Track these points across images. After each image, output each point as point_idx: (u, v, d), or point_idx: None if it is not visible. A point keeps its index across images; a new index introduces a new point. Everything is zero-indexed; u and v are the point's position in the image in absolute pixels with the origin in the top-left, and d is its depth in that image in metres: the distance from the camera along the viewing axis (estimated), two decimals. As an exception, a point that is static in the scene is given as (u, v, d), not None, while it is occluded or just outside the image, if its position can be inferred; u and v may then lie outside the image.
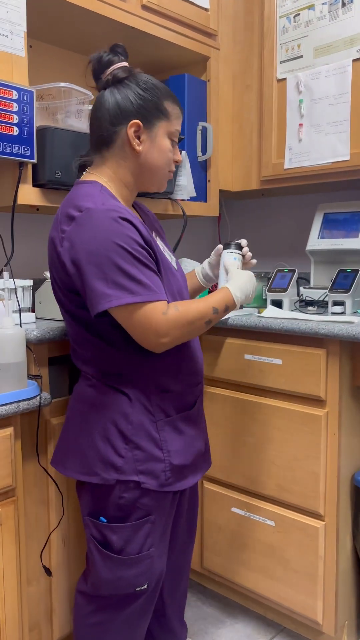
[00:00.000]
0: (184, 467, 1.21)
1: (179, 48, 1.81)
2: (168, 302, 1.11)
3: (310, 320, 1.49)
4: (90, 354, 1.17)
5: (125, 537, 1.16)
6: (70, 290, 1.11)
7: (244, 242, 1.37)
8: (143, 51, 1.82)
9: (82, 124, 1.49)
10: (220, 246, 1.38)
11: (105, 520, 1.16)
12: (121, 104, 1.14)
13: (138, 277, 1.04)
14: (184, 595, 1.48)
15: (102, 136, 1.16)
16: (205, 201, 1.96)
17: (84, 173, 1.22)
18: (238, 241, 1.37)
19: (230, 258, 1.34)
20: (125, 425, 1.14)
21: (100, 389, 1.16)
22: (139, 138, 1.15)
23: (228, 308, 1.18)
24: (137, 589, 1.20)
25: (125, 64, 1.19)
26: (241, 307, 1.30)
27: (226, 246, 1.37)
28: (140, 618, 1.25)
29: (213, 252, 1.41)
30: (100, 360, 1.16)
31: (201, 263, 1.48)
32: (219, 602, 1.84)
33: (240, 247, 1.36)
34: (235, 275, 1.26)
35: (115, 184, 1.18)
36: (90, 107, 1.55)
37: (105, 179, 1.17)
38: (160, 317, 1.06)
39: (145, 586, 1.21)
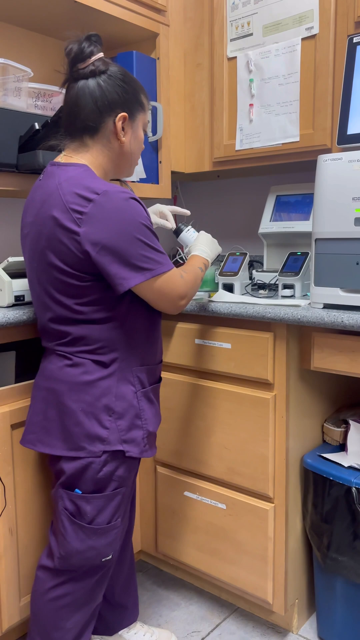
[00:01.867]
0: (153, 434, 1.29)
1: (126, 24, 1.76)
2: None
3: (258, 304, 1.48)
4: (81, 334, 1.18)
5: (99, 507, 1.22)
6: (80, 271, 1.13)
7: (178, 211, 1.58)
8: (88, 27, 1.76)
9: (21, 102, 1.44)
10: (175, 233, 1.55)
11: (80, 492, 1.21)
12: (108, 95, 1.19)
13: (159, 249, 1.16)
14: (130, 567, 1.50)
15: (88, 124, 1.19)
16: (157, 183, 1.92)
17: (60, 155, 1.24)
18: (184, 220, 1.55)
19: (191, 234, 1.52)
20: (109, 399, 1.19)
21: (85, 367, 1.19)
22: (123, 129, 1.22)
23: (206, 265, 1.38)
24: (103, 560, 1.26)
25: (102, 54, 1.21)
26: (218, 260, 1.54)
27: (179, 230, 1.53)
28: (99, 590, 1.31)
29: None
30: (90, 339, 1.18)
31: None
32: (175, 584, 1.85)
33: (188, 223, 1.55)
34: (194, 242, 1.45)
35: (97, 171, 1.24)
36: (30, 84, 1.50)
37: (88, 165, 1.21)
38: (180, 280, 1.21)
39: (110, 557, 1.27)
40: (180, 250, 2.33)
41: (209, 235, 1.47)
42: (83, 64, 1.17)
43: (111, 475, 1.21)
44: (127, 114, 1.21)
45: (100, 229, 1.09)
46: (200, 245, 1.42)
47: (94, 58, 1.18)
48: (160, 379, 1.36)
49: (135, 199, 1.14)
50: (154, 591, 1.82)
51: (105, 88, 1.18)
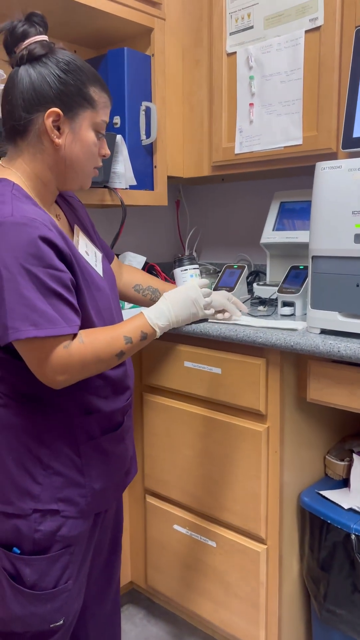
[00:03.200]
0: (106, 489, 1.10)
1: (118, 19, 1.63)
2: (91, 326, 1.01)
3: (250, 326, 1.34)
4: (5, 371, 1.03)
5: (41, 571, 1.05)
6: None
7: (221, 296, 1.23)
8: (78, 23, 1.64)
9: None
10: (175, 263, 1.23)
11: (18, 552, 1.05)
12: (37, 87, 0.97)
13: (43, 308, 0.90)
14: (112, 615, 1.36)
15: (15, 124, 0.99)
16: (152, 189, 1.79)
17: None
18: (191, 255, 1.22)
19: (186, 277, 1.18)
20: (42, 450, 1.03)
21: (15, 409, 1.03)
22: (58, 129, 1.00)
23: (146, 336, 1.04)
24: (52, 625, 1.09)
25: (45, 37, 1.02)
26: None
27: (178, 263, 1.21)
28: None
29: None
30: (16, 379, 1.02)
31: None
32: (167, 619, 1.73)
33: (194, 260, 1.20)
34: (166, 294, 1.10)
35: (32, 181, 1.03)
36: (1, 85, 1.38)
37: (19, 174, 1.02)
38: (60, 351, 0.93)
39: (61, 622, 1.10)
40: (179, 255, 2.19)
41: (195, 292, 1.10)
42: (17, 49, 0.99)
43: (52, 535, 1.03)
44: (60, 110, 0.98)
45: None
46: (165, 303, 1.07)
47: (28, 41, 0.97)
48: (121, 423, 1.12)
49: (42, 237, 0.90)
50: (143, 627, 1.71)
51: (36, 78, 0.97)
